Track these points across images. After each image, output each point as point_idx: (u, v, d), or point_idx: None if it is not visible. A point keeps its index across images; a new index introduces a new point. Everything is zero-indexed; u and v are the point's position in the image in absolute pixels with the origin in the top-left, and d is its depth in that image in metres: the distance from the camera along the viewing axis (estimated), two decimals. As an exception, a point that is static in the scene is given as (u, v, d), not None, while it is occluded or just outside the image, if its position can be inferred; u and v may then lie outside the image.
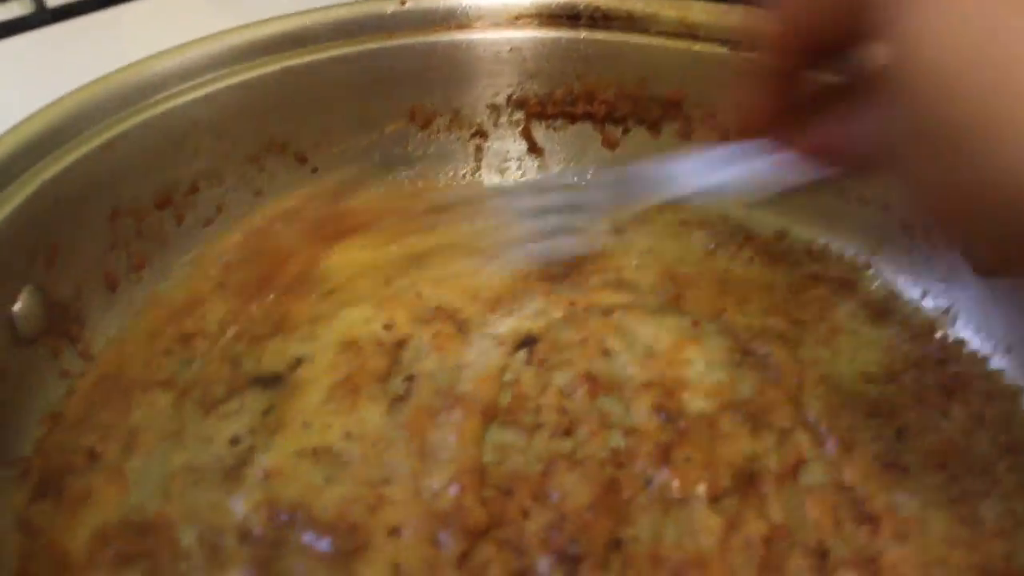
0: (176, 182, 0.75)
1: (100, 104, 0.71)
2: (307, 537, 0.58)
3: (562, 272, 0.75)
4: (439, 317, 0.72)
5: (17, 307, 0.65)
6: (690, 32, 0.80)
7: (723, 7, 0.80)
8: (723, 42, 0.79)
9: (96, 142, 0.70)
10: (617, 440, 0.63)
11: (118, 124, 0.71)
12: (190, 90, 0.75)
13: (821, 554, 0.57)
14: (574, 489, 0.60)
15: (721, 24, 0.80)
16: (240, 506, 0.60)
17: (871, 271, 0.77)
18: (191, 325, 0.72)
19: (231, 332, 0.71)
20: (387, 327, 0.70)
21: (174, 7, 1.07)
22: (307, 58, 0.79)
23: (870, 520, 0.59)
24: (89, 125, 0.70)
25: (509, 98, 0.84)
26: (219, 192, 0.78)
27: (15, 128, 0.67)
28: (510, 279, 0.75)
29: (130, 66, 0.74)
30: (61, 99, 0.70)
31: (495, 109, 0.84)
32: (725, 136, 0.81)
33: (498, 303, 0.73)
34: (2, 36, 0.97)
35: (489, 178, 0.86)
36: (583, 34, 0.82)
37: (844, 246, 0.78)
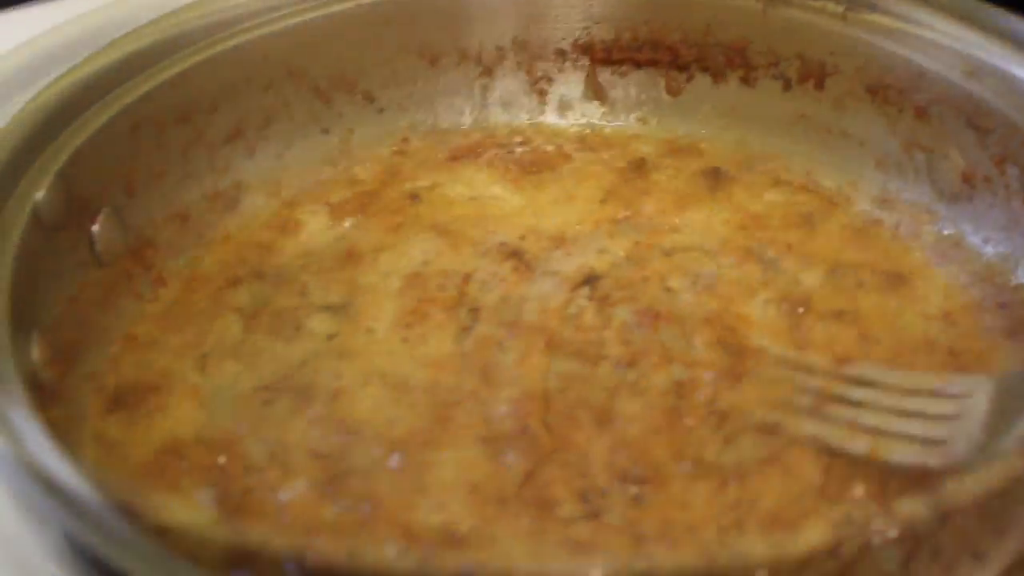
0: (248, 115, 0.76)
1: (176, 36, 0.72)
2: (375, 452, 0.59)
3: (626, 214, 0.76)
4: (504, 252, 0.72)
5: (96, 227, 0.66)
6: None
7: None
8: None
9: (172, 72, 0.71)
10: (680, 372, 0.64)
11: (193, 56, 0.72)
12: (262, 25, 0.76)
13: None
14: (637, 416, 0.61)
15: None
16: (309, 423, 0.62)
17: (941, 220, 0.76)
18: (258, 259, 0.73)
19: (299, 263, 0.73)
20: (453, 260, 0.72)
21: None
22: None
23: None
24: (165, 55, 0.71)
25: (575, 43, 0.84)
26: (289, 128, 0.78)
27: (97, 54, 0.69)
28: (575, 217, 0.76)
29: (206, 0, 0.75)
30: (139, 29, 0.72)
31: (561, 54, 0.85)
32: (788, 86, 0.81)
33: (562, 241, 0.74)
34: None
35: (553, 120, 0.86)
36: (650, -22, 0.83)
37: (907, 192, 0.78)
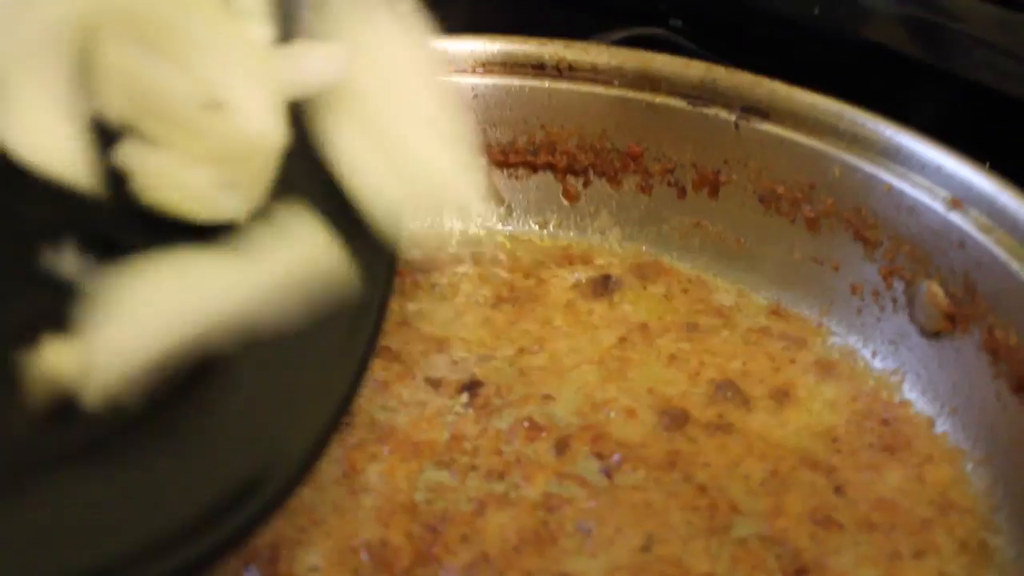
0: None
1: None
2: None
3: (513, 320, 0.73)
4: (384, 356, 0.69)
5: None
6: (651, 85, 0.78)
7: (684, 61, 0.78)
8: (683, 96, 0.77)
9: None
10: (553, 486, 0.60)
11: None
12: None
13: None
14: (503, 529, 0.57)
15: (682, 78, 0.77)
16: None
17: (822, 330, 0.74)
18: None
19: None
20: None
21: None
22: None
23: (800, 574, 0.56)
24: None
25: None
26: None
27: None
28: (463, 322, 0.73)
29: None
30: None
31: None
32: (683, 193, 0.79)
33: (446, 344, 0.71)
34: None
35: (451, 224, 0.83)
36: (547, 83, 0.80)
37: (798, 304, 0.75)
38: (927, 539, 0.59)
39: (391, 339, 0.71)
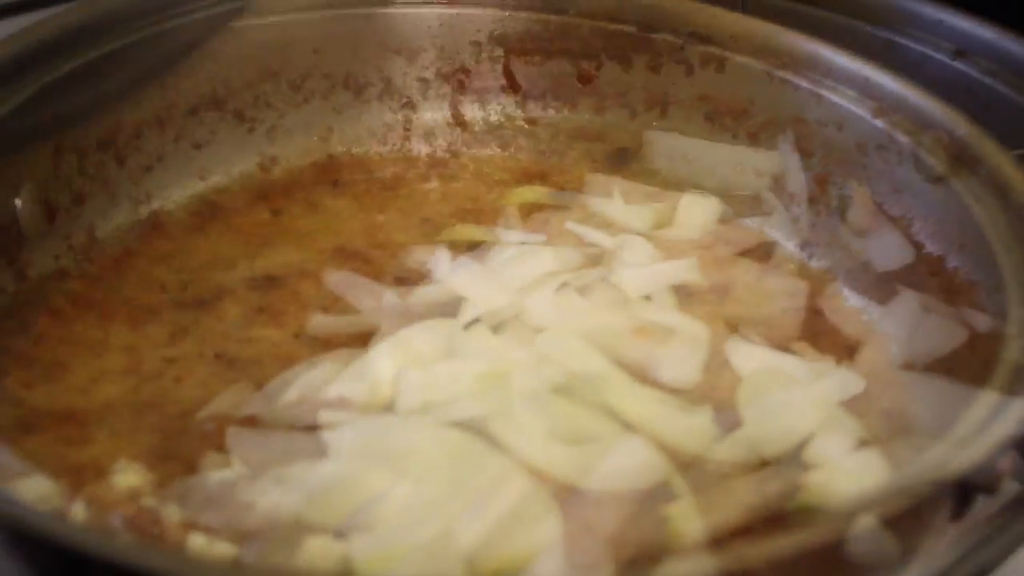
0: (120, 125, 0.75)
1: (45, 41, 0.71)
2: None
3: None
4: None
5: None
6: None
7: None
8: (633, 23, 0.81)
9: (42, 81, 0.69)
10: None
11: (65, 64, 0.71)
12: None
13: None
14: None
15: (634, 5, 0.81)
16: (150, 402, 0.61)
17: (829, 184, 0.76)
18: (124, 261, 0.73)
19: (162, 265, 0.72)
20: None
21: None
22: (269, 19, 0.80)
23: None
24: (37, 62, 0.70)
25: (491, 35, 0.84)
26: (162, 141, 0.77)
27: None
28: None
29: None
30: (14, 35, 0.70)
31: (477, 46, 0.85)
32: (691, 71, 0.81)
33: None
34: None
35: (418, 147, 0.86)
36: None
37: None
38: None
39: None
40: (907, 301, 0.61)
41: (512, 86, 0.85)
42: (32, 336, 0.65)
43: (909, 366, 0.61)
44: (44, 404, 0.60)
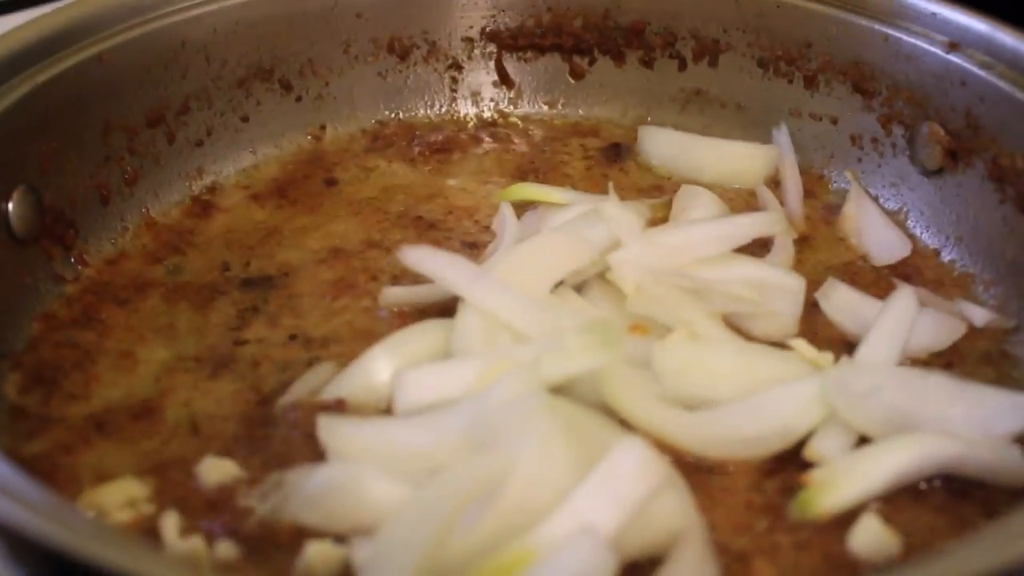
0: (167, 101, 0.72)
1: (94, 17, 0.67)
2: (291, 416, 0.55)
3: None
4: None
5: (11, 205, 0.61)
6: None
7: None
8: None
9: (88, 53, 0.66)
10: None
11: (111, 38, 0.68)
12: (181, 11, 0.71)
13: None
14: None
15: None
16: (228, 389, 0.58)
17: (825, 180, 0.75)
18: (180, 240, 0.70)
19: (221, 243, 0.69)
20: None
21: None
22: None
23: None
24: (83, 37, 0.66)
25: (483, 31, 0.82)
26: (208, 115, 0.75)
27: (11, 32, 0.65)
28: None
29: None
30: (57, 10, 0.68)
31: (469, 42, 0.82)
32: (683, 66, 0.79)
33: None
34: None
35: (465, 109, 0.83)
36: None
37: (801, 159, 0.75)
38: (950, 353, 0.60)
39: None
40: (905, 296, 0.58)
41: (561, 44, 0.82)
42: (97, 327, 0.62)
43: (908, 361, 0.59)
44: (117, 399, 0.57)
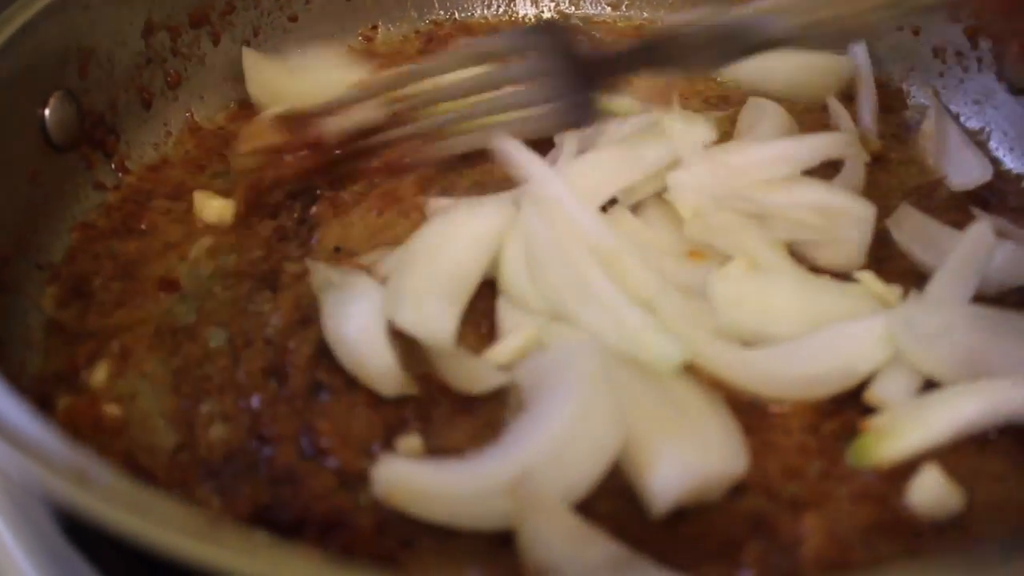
0: (211, 0, 0.68)
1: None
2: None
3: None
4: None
5: (48, 111, 0.58)
6: None
7: None
8: None
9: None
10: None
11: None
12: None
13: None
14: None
15: None
16: (269, 306, 0.55)
17: (903, 94, 0.69)
18: (224, 147, 0.66)
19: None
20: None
21: None
22: None
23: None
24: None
25: None
26: (255, 14, 0.70)
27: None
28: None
29: None
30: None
31: None
32: None
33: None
34: None
35: (523, 9, 0.78)
36: None
37: (878, 70, 0.69)
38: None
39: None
40: (982, 228, 0.52)
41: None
42: (136, 235, 0.59)
43: (981, 298, 0.52)
44: (158, 315, 0.55)
